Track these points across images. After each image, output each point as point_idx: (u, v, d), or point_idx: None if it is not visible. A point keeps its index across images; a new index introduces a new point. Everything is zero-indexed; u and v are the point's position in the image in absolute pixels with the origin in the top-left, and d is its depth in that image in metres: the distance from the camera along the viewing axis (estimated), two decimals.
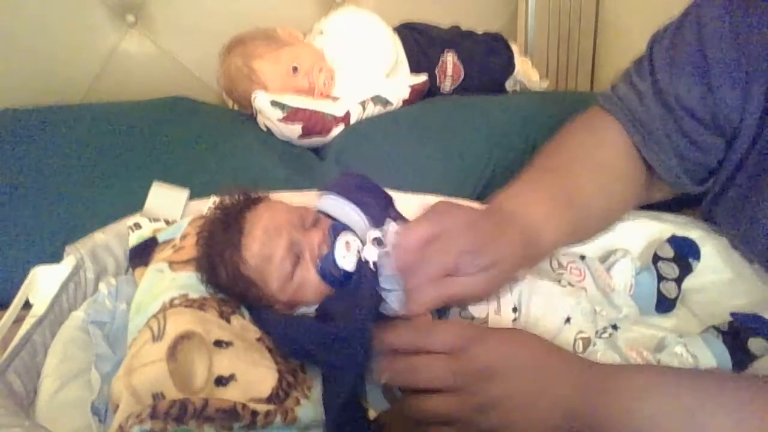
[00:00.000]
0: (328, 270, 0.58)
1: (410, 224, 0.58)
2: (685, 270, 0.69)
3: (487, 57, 1.26)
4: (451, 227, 0.55)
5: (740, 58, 0.59)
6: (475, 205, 0.66)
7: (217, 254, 0.59)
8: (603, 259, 0.71)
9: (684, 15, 0.65)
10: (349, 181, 0.71)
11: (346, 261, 0.58)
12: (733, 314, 0.61)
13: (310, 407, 0.52)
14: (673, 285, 0.68)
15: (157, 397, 0.48)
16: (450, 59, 1.21)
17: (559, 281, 0.64)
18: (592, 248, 0.73)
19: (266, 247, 0.58)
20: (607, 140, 0.68)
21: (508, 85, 1.31)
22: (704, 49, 0.61)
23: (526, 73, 1.33)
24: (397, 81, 1.14)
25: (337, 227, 0.61)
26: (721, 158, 0.65)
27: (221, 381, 0.51)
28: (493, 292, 0.58)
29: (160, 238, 0.72)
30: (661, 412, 0.44)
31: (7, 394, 0.52)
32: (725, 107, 0.61)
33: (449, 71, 1.22)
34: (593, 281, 0.66)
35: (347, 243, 0.59)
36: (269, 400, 0.51)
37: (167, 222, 0.75)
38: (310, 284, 0.59)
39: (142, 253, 0.71)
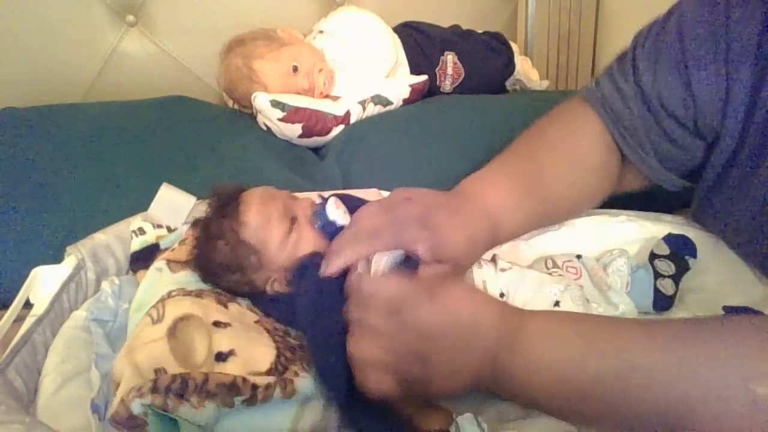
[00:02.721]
0: (322, 224, 0.63)
1: (360, 213, 0.60)
2: (682, 267, 0.69)
3: (487, 57, 1.26)
4: (403, 214, 0.57)
5: (719, 55, 0.59)
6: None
7: (216, 230, 0.63)
8: (599, 258, 0.71)
9: (667, 16, 0.65)
10: None
11: (338, 215, 0.63)
12: (725, 308, 0.62)
13: (309, 379, 0.53)
14: (669, 282, 0.68)
15: (160, 372, 0.49)
16: (450, 59, 1.22)
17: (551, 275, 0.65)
18: (588, 248, 0.73)
19: (264, 209, 0.63)
20: (584, 131, 0.69)
21: (508, 84, 1.31)
22: (684, 48, 0.61)
23: (526, 72, 1.34)
24: (397, 80, 1.14)
25: (325, 198, 0.66)
26: (702, 159, 0.65)
27: (221, 356, 0.53)
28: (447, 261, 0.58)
29: (163, 245, 0.73)
30: (550, 359, 0.47)
31: (7, 391, 0.52)
32: (705, 107, 0.61)
33: (449, 71, 1.22)
34: (589, 279, 0.66)
35: (336, 202, 0.64)
36: (268, 373, 0.52)
37: (169, 229, 0.76)
38: (306, 239, 0.63)
39: (144, 258, 0.71)
